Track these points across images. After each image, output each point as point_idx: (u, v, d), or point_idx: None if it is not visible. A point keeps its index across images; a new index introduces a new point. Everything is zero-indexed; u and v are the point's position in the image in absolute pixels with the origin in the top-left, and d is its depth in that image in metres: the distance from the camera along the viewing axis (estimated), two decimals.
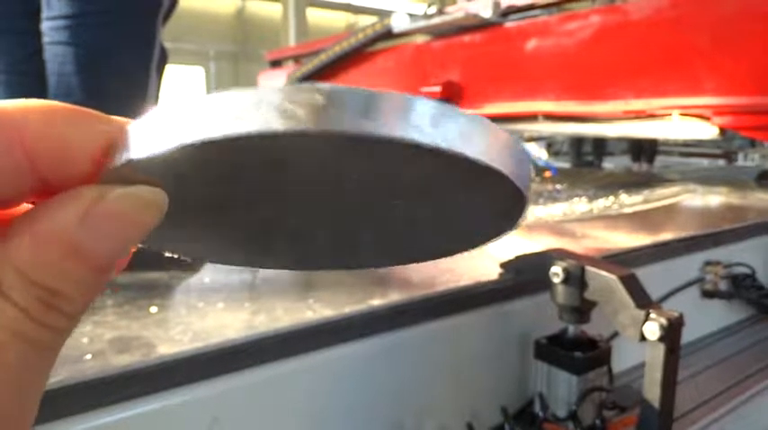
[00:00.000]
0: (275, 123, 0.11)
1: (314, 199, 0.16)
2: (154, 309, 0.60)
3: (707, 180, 1.95)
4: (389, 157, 0.13)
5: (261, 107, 0.12)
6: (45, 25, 0.81)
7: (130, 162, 0.13)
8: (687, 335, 0.83)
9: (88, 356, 0.47)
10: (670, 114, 1.42)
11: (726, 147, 3.10)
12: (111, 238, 0.14)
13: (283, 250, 0.19)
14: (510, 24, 1.75)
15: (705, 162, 3.39)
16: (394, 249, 0.20)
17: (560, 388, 0.65)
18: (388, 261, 0.20)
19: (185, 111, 0.12)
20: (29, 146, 0.13)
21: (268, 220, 0.17)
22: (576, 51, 1.55)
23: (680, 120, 1.40)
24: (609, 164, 2.98)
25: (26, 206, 0.15)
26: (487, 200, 0.15)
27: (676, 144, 3.57)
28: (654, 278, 0.80)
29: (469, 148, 0.12)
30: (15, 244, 0.13)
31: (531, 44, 1.67)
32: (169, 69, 1.04)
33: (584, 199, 1.43)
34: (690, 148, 3.63)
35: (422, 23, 1.94)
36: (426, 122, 0.12)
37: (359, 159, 0.13)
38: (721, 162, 3.39)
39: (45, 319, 0.13)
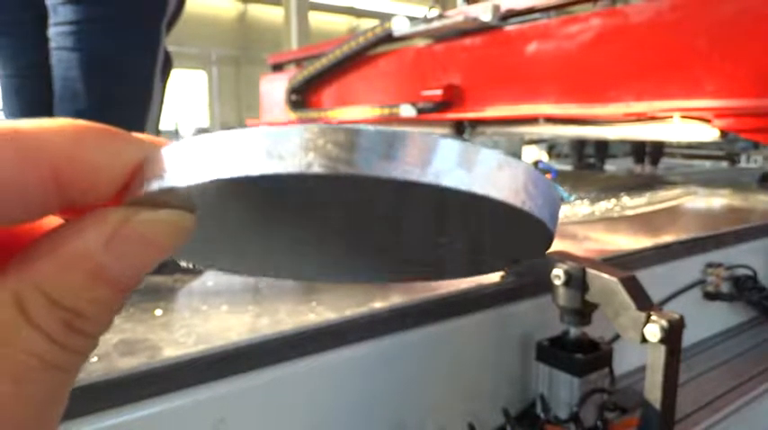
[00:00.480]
0: (315, 166, 0.12)
1: (341, 225, 0.16)
2: (158, 312, 0.61)
3: (709, 182, 1.95)
4: (422, 198, 0.13)
5: (297, 146, 0.12)
6: (52, 31, 0.82)
7: (164, 189, 0.13)
8: (689, 338, 0.83)
9: (94, 359, 0.48)
10: (671, 117, 1.42)
11: (728, 149, 3.09)
12: (135, 261, 0.14)
13: (300, 264, 0.20)
14: (510, 28, 1.76)
15: (708, 164, 3.39)
16: (412, 270, 0.20)
17: (562, 389, 0.65)
18: (403, 278, 0.21)
19: (223, 143, 0.13)
20: (56, 166, 0.13)
21: (290, 239, 0.17)
22: (577, 54, 1.55)
23: (681, 123, 1.41)
24: (611, 166, 2.98)
25: (51, 222, 0.15)
26: (516, 236, 0.16)
27: (679, 146, 3.57)
28: (655, 280, 0.81)
29: (504, 193, 0.13)
30: (40, 265, 0.13)
31: (532, 47, 1.67)
32: (172, 74, 1.05)
33: (585, 201, 1.44)
34: (693, 151, 3.62)
35: (422, 27, 1.95)
36: (460, 165, 0.12)
37: (390, 198, 0.13)
38: (724, 164, 3.38)
39: (68, 342, 0.13)
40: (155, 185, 0.13)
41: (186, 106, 10.41)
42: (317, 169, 0.12)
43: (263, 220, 0.16)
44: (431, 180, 0.12)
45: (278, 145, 0.12)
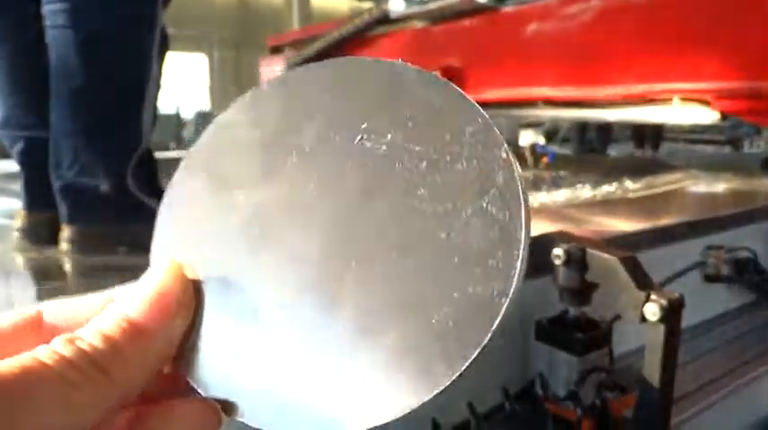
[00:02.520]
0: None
1: None
2: None
3: (711, 166, 1.94)
4: None
5: None
6: (45, 9, 0.81)
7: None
8: (688, 319, 0.83)
9: None
10: (670, 99, 1.41)
11: (731, 134, 3.08)
12: None
13: None
14: (508, 8, 1.74)
15: (710, 149, 3.37)
16: None
17: (561, 368, 0.65)
18: None
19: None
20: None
21: None
22: (576, 35, 1.53)
23: (680, 105, 1.40)
24: (613, 151, 2.97)
25: None
26: None
27: (682, 131, 3.55)
28: (656, 262, 0.80)
29: None
30: None
31: (531, 28, 1.65)
32: (171, 56, 1.04)
33: (587, 185, 1.43)
34: (695, 135, 3.60)
35: (418, 8, 1.93)
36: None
37: None
38: (727, 149, 3.37)
39: None
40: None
41: (187, 89, 10.35)
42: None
43: None
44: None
45: None
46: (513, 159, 0.19)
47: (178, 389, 0.20)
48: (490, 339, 0.18)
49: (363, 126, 0.21)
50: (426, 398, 0.18)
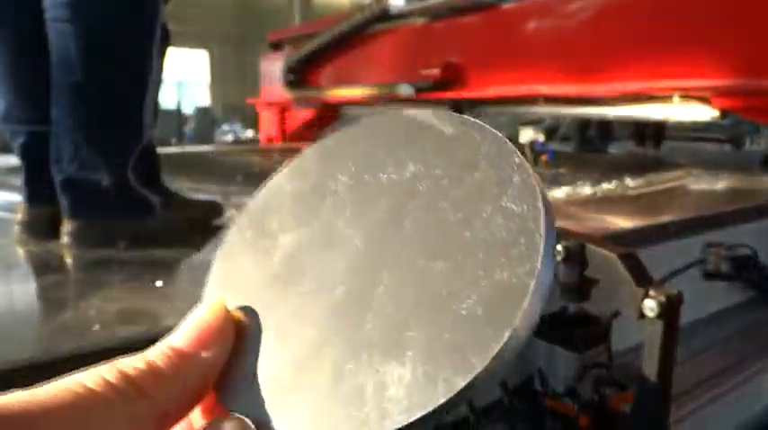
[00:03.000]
0: None
1: None
2: (159, 283, 0.61)
3: (712, 164, 1.94)
4: None
5: None
6: (46, 2, 0.81)
7: None
8: (687, 316, 0.83)
9: (96, 327, 0.48)
10: (670, 96, 1.41)
11: (733, 132, 3.07)
12: None
13: None
14: (508, 5, 1.74)
15: (711, 147, 3.37)
16: None
17: (560, 364, 0.66)
18: None
19: None
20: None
21: None
22: (576, 31, 1.53)
23: (680, 103, 1.39)
24: (614, 149, 2.96)
25: None
26: None
27: (683, 129, 3.55)
28: (655, 259, 0.80)
29: None
30: None
31: (531, 25, 1.65)
32: (173, 52, 1.04)
33: (587, 182, 1.43)
34: (697, 133, 3.60)
35: (418, 4, 1.93)
36: None
37: None
38: (728, 147, 3.36)
39: None
40: None
41: (187, 85, 10.33)
42: None
43: None
44: None
45: None
46: (526, 163, 0.21)
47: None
48: (524, 320, 0.18)
49: (388, 163, 0.24)
50: (463, 385, 0.18)
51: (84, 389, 0.18)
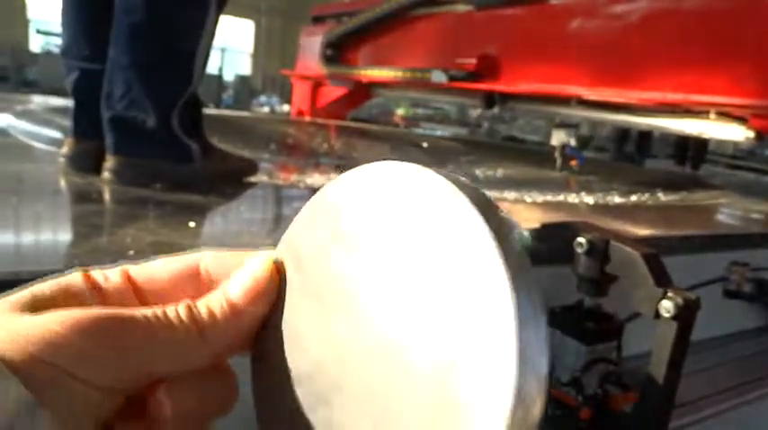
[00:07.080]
0: None
1: None
2: (192, 224, 0.63)
3: (750, 190, 1.90)
4: None
5: None
6: None
7: None
8: (703, 333, 0.83)
9: (131, 252, 0.51)
10: (707, 112, 1.37)
11: None
12: None
13: None
14: (555, 1, 1.70)
15: (751, 176, 3.29)
16: None
17: (568, 355, 0.66)
18: None
19: None
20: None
21: None
22: (620, 36, 1.49)
23: (716, 119, 1.36)
24: (651, 165, 2.91)
25: None
26: None
27: (724, 155, 3.46)
28: (677, 270, 0.80)
29: None
30: None
31: (574, 24, 1.61)
32: (222, 19, 1.05)
33: (617, 192, 1.42)
34: (737, 161, 3.52)
35: None
36: None
37: None
38: None
39: None
40: None
41: (230, 52, 10.40)
42: None
43: None
44: None
45: None
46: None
47: None
48: None
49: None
50: None
51: (162, 314, 0.22)
